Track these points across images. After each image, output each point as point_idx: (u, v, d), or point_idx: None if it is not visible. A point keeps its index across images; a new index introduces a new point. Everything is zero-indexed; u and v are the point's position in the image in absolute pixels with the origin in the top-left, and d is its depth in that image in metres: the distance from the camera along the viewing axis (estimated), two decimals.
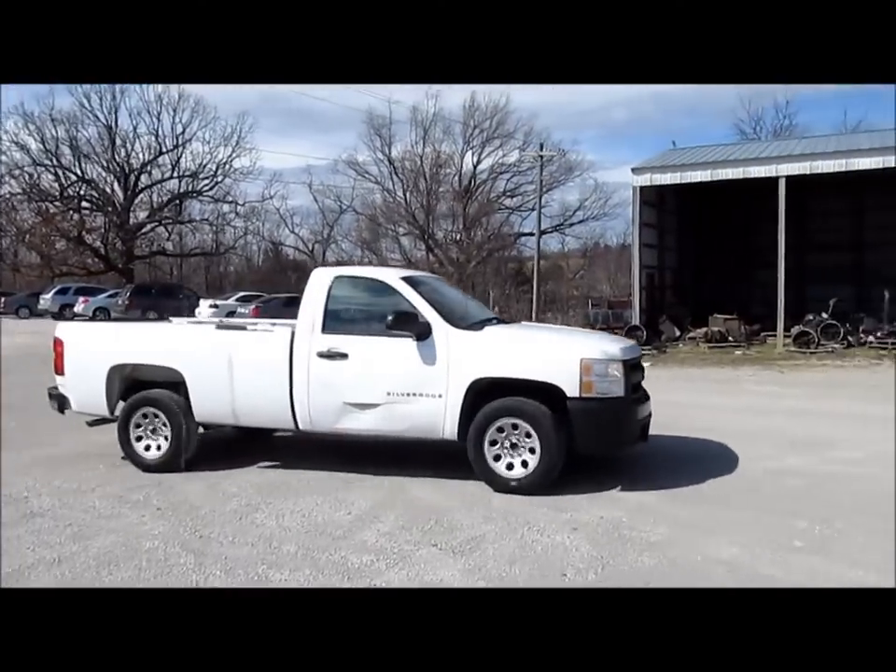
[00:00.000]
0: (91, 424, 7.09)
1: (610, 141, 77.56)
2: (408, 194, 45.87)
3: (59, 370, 6.87)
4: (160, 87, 43.71)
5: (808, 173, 19.36)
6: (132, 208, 45.27)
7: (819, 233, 23.62)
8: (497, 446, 5.89)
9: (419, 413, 6.03)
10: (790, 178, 19.20)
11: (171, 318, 8.56)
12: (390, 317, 5.92)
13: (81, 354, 6.85)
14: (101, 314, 30.05)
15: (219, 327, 7.00)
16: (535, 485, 5.77)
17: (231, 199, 46.63)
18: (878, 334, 18.38)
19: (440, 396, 5.96)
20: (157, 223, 46.25)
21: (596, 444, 6.04)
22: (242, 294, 32.32)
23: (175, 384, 6.56)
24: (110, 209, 43.80)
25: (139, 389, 6.76)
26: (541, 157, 34.08)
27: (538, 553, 4.56)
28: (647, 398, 6.48)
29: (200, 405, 6.51)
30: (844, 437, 8.03)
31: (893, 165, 17.93)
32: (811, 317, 19.45)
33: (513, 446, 5.86)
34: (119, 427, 6.69)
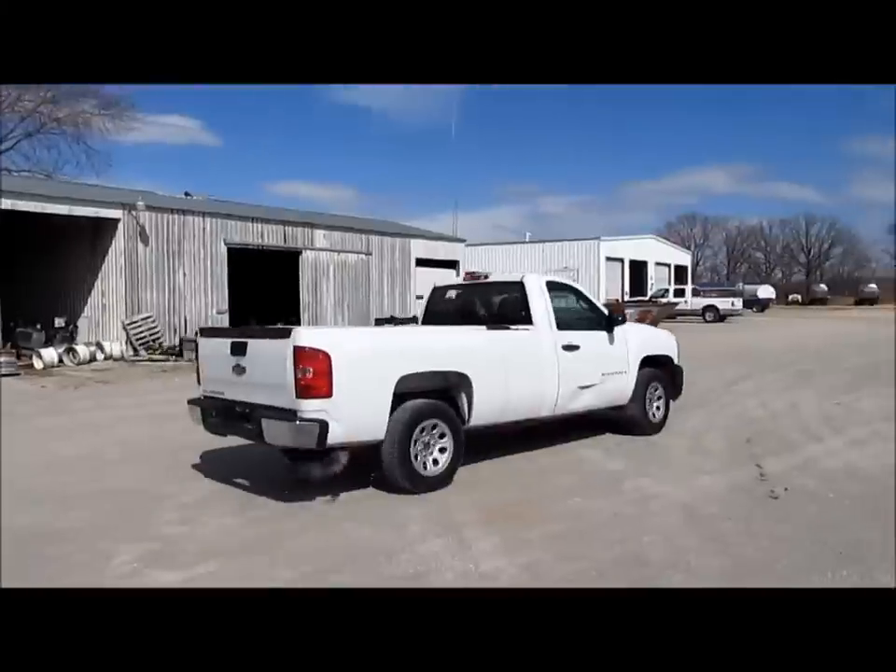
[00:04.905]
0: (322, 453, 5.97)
1: None
2: None
3: (320, 391, 5.64)
4: None
5: None
6: None
7: None
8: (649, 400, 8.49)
9: (616, 386, 7.98)
10: None
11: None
12: (619, 317, 8.11)
13: (361, 369, 5.85)
14: None
15: (490, 328, 7.24)
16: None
17: None
18: None
19: (625, 372, 8.06)
20: None
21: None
22: None
23: (453, 389, 6.55)
24: None
25: (400, 402, 6.11)
26: None
27: None
28: None
29: (481, 407, 6.62)
30: None
31: None
32: None
33: (659, 398, 8.55)
34: (399, 444, 5.98)
